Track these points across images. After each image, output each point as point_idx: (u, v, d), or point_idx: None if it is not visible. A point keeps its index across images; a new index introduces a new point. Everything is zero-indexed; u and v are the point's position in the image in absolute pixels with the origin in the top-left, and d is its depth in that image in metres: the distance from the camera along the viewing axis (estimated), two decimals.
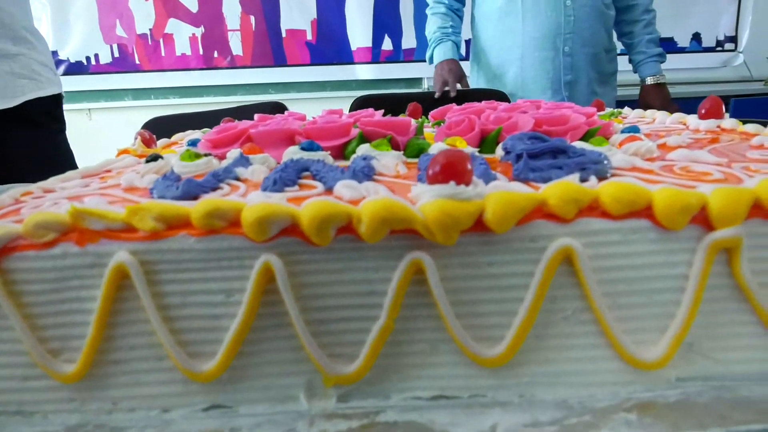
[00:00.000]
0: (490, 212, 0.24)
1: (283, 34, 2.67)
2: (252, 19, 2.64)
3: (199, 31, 2.64)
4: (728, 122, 0.48)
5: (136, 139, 0.52)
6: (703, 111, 0.50)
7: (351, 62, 2.70)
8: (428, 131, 0.54)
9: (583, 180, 0.29)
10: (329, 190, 0.30)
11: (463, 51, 1.54)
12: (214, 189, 0.31)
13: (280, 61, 2.72)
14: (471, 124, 0.39)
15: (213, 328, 0.25)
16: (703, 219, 0.25)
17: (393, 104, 1.74)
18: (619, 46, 1.42)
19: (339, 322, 0.25)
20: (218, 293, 0.25)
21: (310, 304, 0.25)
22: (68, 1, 2.59)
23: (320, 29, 2.70)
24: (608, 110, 0.68)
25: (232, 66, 2.73)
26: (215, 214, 0.24)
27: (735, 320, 0.26)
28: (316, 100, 2.77)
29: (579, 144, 0.36)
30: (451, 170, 0.25)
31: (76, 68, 2.73)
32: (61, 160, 1.29)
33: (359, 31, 2.62)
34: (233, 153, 0.37)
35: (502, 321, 0.25)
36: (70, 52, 2.69)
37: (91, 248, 0.25)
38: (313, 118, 0.59)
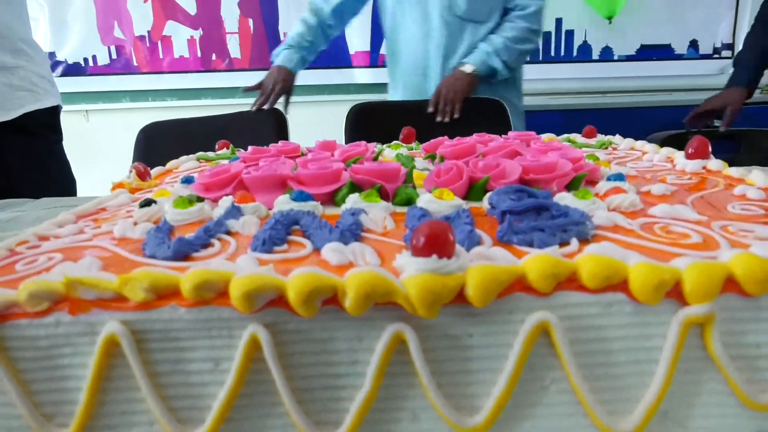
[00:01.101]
0: (470, 288, 0.25)
1: (282, 37, 2.67)
2: (250, 21, 2.64)
3: (197, 34, 2.64)
4: (714, 163, 0.49)
5: (131, 172, 0.53)
6: (690, 150, 0.51)
7: (349, 66, 2.71)
8: (419, 167, 0.55)
9: (563, 242, 0.30)
10: (317, 251, 0.31)
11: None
12: (205, 246, 0.32)
13: None
14: (459, 172, 0.40)
15: (202, 395, 0.26)
16: (677, 293, 0.26)
17: (388, 113, 1.76)
18: None
19: (324, 390, 0.26)
20: (207, 361, 0.26)
21: (296, 372, 0.26)
22: (66, 1, 2.59)
23: None
24: (599, 138, 0.69)
25: (230, 69, 2.74)
26: (204, 286, 0.25)
27: (708, 390, 0.27)
28: (314, 103, 2.78)
29: (564, 196, 0.37)
30: (434, 243, 0.26)
31: (73, 69, 2.73)
32: (58, 169, 1.30)
33: (357, 35, 2.63)
34: (225, 202, 0.38)
35: (482, 390, 0.26)
36: (67, 53, 2.69)
37: (84, 318, 0.26)
38: (306, 150, 0.59)
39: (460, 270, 0.25)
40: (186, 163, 0.64)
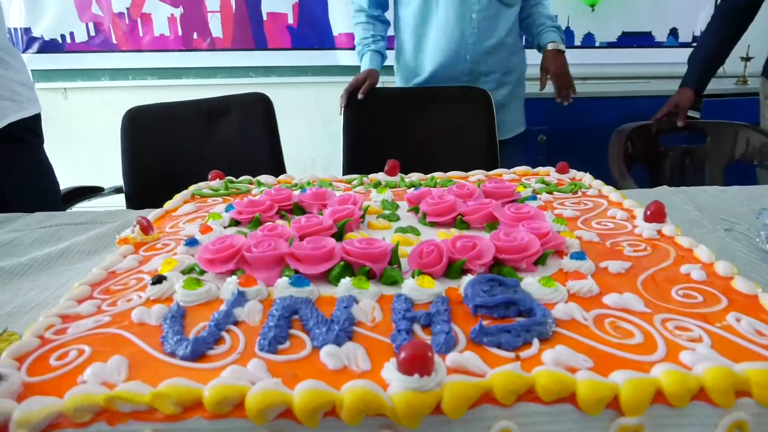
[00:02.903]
0: (446, 404, 0.30)
1: (264, 17, 2.65)
2: (232, 0, 2.60)
3: (177, 12, 2.60)
4: (668, 229, 0.55)
5: (134, 226, 0.56)
6: (648, 213, 0.57)
7: (333, 47, 2.70)
8: (402, 222, 0.60)
9: (526, 343, 0.36)
10: (316, 349, 0.36)
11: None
12: (217, 341, 0.37)
13: (260, 44, 2.71)
14: (439, 254, 0.45)
15: None
16: (615, 404, 0.31)
17: (381, 100, 1.81)
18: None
19: None
20: None
21: None
22: None
23: (302, 13, 2.68)
24: (571, 177, 0.74)
25: (212, 48, 2.71)
26: (224, 402, 0.30)
27: None
28: (298, 85, 2.77)
29: (530, 282, 0.42)
30: (416, 364, 0.31)
31: (50, 46, 2.68)
32: (42, 173, 1.31)
33: (341, 17, 2.62)
34: (230, 285, 0.43)
35: None
36: (43, 30, 2.63)
37: (121, 427, 0.30)
38: (299, 200, 0.63)
39: (438, 386, 0.31)
40: (183, 206, 0.67)
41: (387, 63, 1.62)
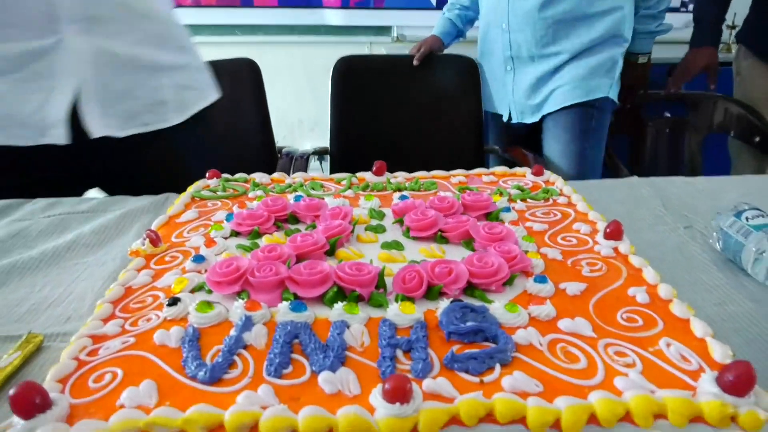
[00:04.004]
0: (421, 426, 0.38)
1: None
2: None
3: None
4: (623, 247, 0.62)
5: (145, 239, 0.62)
6: (608, 230, 0.64)
7: (320, 6, 2.68)
8: (389, 233, 0.66)
9: (489, 368, 0.43)
10: (315, 374, 0.43)
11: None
12: (231, 366, 0.43)
13: (246, 2, 2.67)
14: (420, 280, 0.52)
15: None
16: (557, 425, 0.39)
17: (375, 69, 1.85)
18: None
19: None
20: None
21: None
22: None
23: None
24: (542, 188, 0.80)
25: (197, 4, 2.67)
26: (241, 426, 0.37)
27: None
28: (284, 44, 2.75)
29: (497, 307, 0.49)
30: (397, 394, 0.38)
31: None
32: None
33: None
34: (237, 309, 0.49)
35: None
36: None
37: None
38: (294, 209, 0.69)
39: (415, 412, 0.38)
40: (186, 213, 0.73)
41: None
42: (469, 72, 1.75)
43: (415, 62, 1.69)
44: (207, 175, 0.85)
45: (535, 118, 1.63)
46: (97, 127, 1.03)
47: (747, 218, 0.77)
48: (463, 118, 1.75)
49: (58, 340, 0.64)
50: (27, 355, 0.59)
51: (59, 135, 1.01)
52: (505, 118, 1.73)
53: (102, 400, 0.41)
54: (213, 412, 0.38)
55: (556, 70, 1.55)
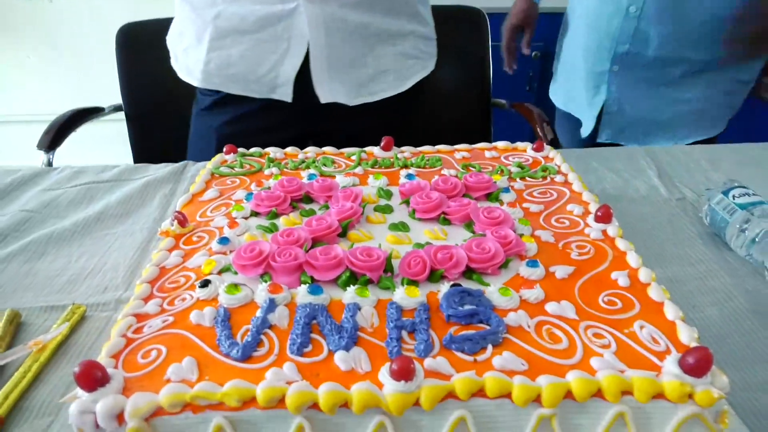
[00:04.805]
0: (423, 401, 0.45)
1: None
2: None
3: None
4: (612, 230, 0.67)
5: (173, 220, 0.68)
6: (598, 214, 0.69)
7: None
8: (397, 213, 0.72)
9: (482, 348, 0.50)
10: (331, 352, 0.49)
11: None
12: (259, 344, 0.50)
13: None
14: (424, 265, 0.58)
15: None
16: (538, 400, 0.46)
17: None
18: None
19: None
20: None
21: None
22: None
23: None
24: (541, 166, 0.85)
25: None
26: (270, 399, 0.44)
27: None
28: None
29: (492, 291, 0.56)
30: (402, 373, 0.45)
31: None
32: None
33: None
34: (261, 291, 0.56)
35: None
36: None
37: (201, 415, 0.45)
38: (307, 182, 0.75)
39: (417, 388, 0.45)
40: (207, 192, 0.79)
41: None
42: (475, 23, 1.71)
43: (525, 52, 1.52)
44: (224, 150, 0.90)
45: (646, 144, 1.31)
46: (326, 93, 1.08)
47: (734, 196, 0.82)
48: (468, 73, 1.74)
49: (99, 309, 0.71)
50: (73, 324, 0.67)
51: (286, 93, 1.09)
52: (584, 133, 1.41)
53: (151, 375, 0.48)
54: (247, 387, 0.45)
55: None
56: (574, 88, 1.42)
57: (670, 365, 0.47)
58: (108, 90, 1.66)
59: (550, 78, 1.71)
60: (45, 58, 3.01)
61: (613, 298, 0.57)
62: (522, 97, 1.76)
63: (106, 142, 2.29)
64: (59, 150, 1.44)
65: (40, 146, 1.42)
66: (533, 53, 2.40)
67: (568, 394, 0.46)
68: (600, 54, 1.28)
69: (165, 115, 1.57)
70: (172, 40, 1.21)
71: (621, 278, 0.59)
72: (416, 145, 0.94)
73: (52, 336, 0.64)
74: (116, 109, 1.63)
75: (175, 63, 1.22)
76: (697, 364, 0.46)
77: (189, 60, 1.16)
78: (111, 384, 0.46)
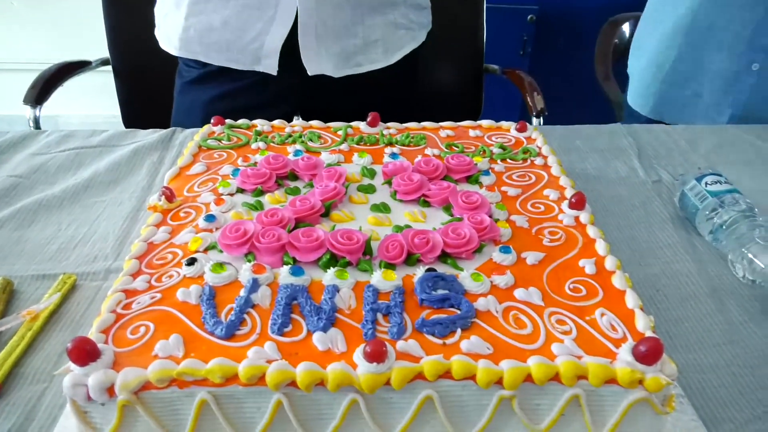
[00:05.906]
0: (393, 381, 0.48)
1: None
2: None
3: None
4: (584, 217, 0.70)
5: (161, 196, 0.70)
6: (572, 201, 0.71)
7: None
8: (379, 193, 0.74)
9: (452, 332, 0.53)
10: (310, 332, 0.53)
11: None
12: (242, 323, 0.53)
13: None
14: (401, 249, 0.60)
15: (251, 425, 0.50)
16: (500, 382, 0.49)
17: None
18: None
19: (314, 421, 0.51)
20: (253, 411, 0.49)
21: (301, 416, 0.50)
22: None
23: None
24: (522, 148, 0.86)
25: None
26: (252, 377, 0.48)
27: (512, 426, 0.52)
28: None
29: (465, 276, 0.59)
30: (374, 356, 0.48)
31: None
32: None
33: None
34: (245, 271, 0.58)
35: (395, 421, 0.51)
36: None
37: (187, 390, 0.48)
38: (293, 159, 0.76)
39: (389, 369, 0.49)
40: (195, 166, 0.80)
41: None
42: None
43: None
44: (212, 121, 0.91)
45: None
46: (313, 65, 1.06)
47: (707, 183, 0.85)
48: (461, 37, 1.72)
49: (89, 279, 0.74)
50: (65, 294, 0.69)
51: (271, 66, 1.06)
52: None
53: (139, 351, 0.51)
54: (230, 365, 0.48)
55: None
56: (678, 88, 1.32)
57: (624, 353, 0.51)
58: (95, 41, 1.64)
59: (546, 41, 1.65)
60: (29, 4, 2.92)
61: (579, 285, 0.60)
62: (516, 63, 1.74)
63: (93, 94, 2.26)
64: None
65: (26, 101, 1.41)
66: (528, 16, 2.36)
67: (528, 378, 0.50)
68: (734, 49, 1.17)
69: (152, 71, 1.55)
70: (157, 8, 1.18)
71: (588, 266, 0.62)
72: (408, 116, 0.95)
73: (44, 306, 0.66)
74: (103, 62, 1.62)
75: (157, 32, 1.19)
76: (648, 352, 0.50)
77: (168, 26, 1.12)
78: (102, 359, 0.49)
